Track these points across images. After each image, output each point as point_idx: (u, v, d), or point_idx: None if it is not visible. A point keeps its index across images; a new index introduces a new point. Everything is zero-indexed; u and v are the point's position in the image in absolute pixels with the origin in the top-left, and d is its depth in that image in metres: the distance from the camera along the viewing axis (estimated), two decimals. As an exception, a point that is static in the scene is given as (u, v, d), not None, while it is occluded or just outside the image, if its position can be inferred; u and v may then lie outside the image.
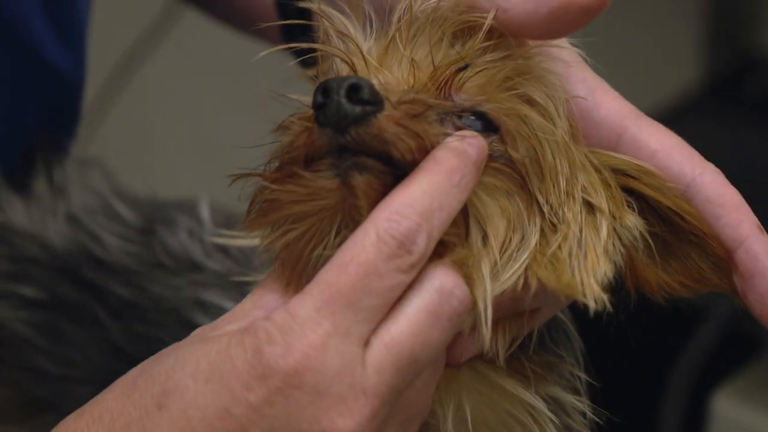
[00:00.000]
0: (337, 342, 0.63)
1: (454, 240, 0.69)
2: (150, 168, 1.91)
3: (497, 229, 0.70)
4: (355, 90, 0.67)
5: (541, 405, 0.74)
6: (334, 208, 0.68)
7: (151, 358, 0.68)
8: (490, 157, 0.70)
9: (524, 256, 0.70)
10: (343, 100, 0.67)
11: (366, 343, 0.65)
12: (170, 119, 1.96)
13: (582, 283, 0.69)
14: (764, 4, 2.37)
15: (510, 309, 0.71)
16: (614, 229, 0.72)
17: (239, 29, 1.13)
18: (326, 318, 0.64)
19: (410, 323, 0.65)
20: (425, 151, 0.68)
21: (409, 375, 0.66)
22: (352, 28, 0.74)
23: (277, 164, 0.71)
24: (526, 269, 0.69)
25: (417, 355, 0.65)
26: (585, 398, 0.79)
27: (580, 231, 0.71)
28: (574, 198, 0.72)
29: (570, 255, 0.70)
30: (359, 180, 0.67)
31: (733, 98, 2.27)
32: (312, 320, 0.64)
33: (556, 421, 0.75)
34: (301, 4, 0.77)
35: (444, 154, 0.68)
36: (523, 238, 0.70)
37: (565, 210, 0.71)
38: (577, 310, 0.74)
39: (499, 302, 0.69)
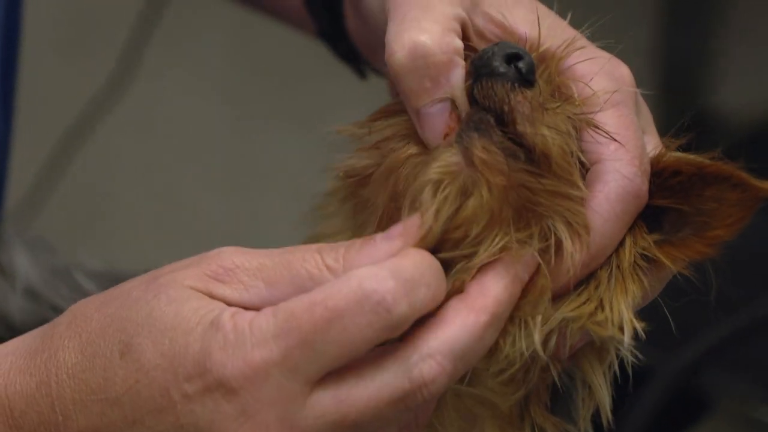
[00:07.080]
0: (280, 374, 0.63)
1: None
2: (106, 239, 1.89)
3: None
4: (515, 58, 0.69)
5: None
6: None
7: (132, 293, 0.68)
8: None
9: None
10: (498, 54, 0.68)
11: (316, 383, 0.64)
12: (127, 185, 1.95)
13: (613, 316, 0.69)
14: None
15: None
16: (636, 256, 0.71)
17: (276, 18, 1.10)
18: (279, 346, 0.63)
19: (371, 399, 0.64)
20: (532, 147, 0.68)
21: None
22: None
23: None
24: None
25: (361, 425, 0.65)
26: None
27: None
28: None
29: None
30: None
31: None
32: (265, 343, 0.63)
33: None
34: None
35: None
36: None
37: None
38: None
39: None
